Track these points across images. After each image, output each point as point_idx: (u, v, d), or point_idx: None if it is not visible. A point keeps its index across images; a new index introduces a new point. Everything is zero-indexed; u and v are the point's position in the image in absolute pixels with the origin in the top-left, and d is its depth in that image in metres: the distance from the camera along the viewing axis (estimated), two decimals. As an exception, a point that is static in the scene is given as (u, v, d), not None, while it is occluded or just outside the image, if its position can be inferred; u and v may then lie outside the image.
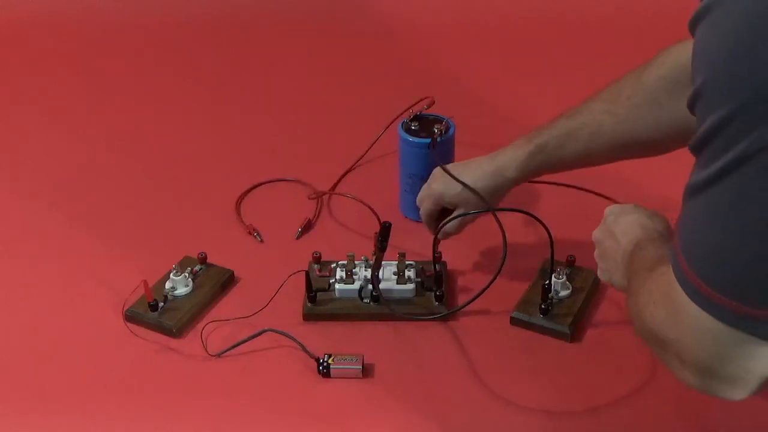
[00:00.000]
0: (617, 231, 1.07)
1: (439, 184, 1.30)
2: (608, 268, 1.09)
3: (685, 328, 0.83)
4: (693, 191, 0.79)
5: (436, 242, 1.28)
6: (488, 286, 1.23)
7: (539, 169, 1.25)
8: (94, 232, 1.46)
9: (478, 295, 1.24)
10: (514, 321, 1.26)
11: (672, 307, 0.84)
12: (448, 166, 1.31)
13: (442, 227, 1.28)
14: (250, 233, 1.43)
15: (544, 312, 1.25)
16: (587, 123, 1.19)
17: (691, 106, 0.79)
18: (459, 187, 1.27)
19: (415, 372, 1.20)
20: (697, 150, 0.78)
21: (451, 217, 1.29)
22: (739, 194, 0.75)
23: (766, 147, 0.71)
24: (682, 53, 1.09)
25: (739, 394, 0.85)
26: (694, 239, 0.81)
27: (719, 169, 0.75)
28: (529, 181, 1.31)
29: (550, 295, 1.25)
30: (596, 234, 1.12)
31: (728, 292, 0.78)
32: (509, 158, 1.25)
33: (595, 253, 1.13)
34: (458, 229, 1.31)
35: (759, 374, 0.83)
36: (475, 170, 1.27)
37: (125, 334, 1.24)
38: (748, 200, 0.74)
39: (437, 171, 1.32)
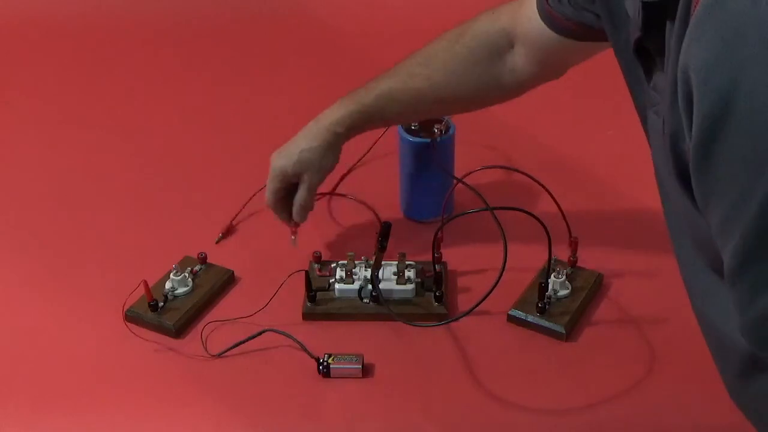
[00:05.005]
0: None
1: (276, 161, 1.32)
2: None
3: None
4: None
5: (436, 242, 1.28)
6: (489, 293, 1.22)
7: (364, 126, 1.32)
8: (93, 232, 1.46)
9: (480, 302, 1.23)
10: (510, 319, 1.26)
11: None
12: (283, 147, 1.33)
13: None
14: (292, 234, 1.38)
15: (541, 311, 1.25)
16: (407, 88, 1.27)
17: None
18: (295, 155, 1.30)
19: (415, 372, 1.20)
20: None
21: (298, 193, 1.32)
22: None
23: None
24: (487, 24, 1.25)
25: None
26: None
27: None
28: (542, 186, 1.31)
29: (547, 293, 1.26)
30: None
31: None
32: (336, 116, 1.30)
33: None
34: (311, 198, 1.33)
35: None
36: (306, 134, 1.31)
37: (125, 334, 1.24)
38: None
39: (273, 155, 1.34)
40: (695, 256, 0.84)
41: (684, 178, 0.75)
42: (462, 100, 1.30)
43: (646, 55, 0.83)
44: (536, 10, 1.16)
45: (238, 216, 1.47)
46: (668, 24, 0.76)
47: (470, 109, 1.33)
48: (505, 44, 1.24)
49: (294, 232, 1.35)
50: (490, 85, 1.27)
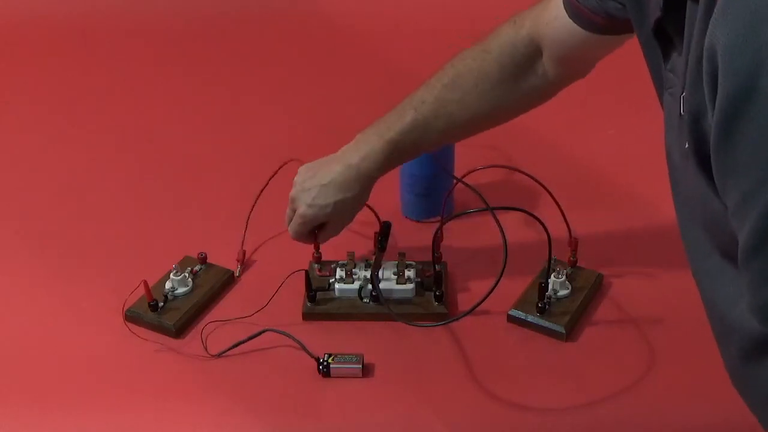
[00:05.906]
0: None
1: (307, 210, 1.26)
2: None
3: None
4: None
5: (436, 242, 1.28)
6: (489, 294, 1.22)
7: (398, 162, 1.28)
8: (94, 232, 1.47)
9: (480, 302, 1.23)
10: (510, 319, 1.26)
11: None
12: (310, 182, 1.27)
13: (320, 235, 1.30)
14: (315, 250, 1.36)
15: (541, 311, 1.25)
16: (439, 115, 1.24)
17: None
18: (329, 206, 1.25)
19: (415, 372, 1.20)
20: None
21: (326, 230, 1.29)
22: None
23: None
24: (512, 34, 1.21)
25: None
26: None
27: None
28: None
29: (547, 293, 1.26)
30: None
31: None
32: (370, 160, 1.24)
33: None
34: (339, 231, 1.31)
35: None
36: (338, 182, 1.25)
37: (125, 334, 1.24)
38: None
39: (294, 193, 1.29)
40: (705, 240, 0.84)
41: (703, 158, 0.75)
42: (497, 117, 1.27)
43: (664, 37, 0.84)
44: (562, 8, 1.14)
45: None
46: (689, 3, 0.77)
47: (502, 122, 1.29)
48: (533, 52, 1.21)
49: (317, 248, 1.34)
50: (524, 97, 1.24)
